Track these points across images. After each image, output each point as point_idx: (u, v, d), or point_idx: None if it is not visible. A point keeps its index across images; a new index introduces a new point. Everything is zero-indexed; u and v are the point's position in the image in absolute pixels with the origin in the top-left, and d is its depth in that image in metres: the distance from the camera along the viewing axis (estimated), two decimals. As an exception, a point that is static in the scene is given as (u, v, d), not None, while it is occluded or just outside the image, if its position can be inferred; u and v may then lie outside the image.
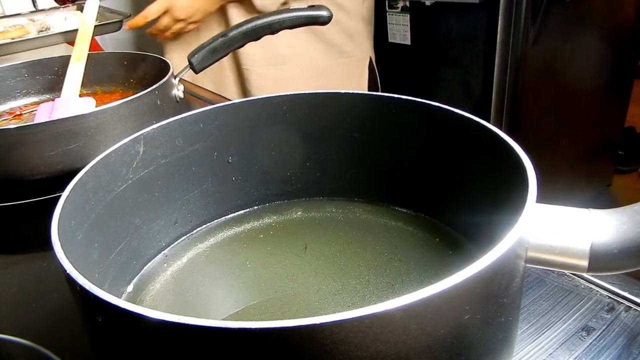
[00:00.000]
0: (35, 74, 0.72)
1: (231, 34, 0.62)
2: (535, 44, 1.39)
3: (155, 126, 0.37)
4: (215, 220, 0.42)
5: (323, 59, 1.12)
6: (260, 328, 0.19)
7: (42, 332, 0.37)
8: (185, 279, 0.38)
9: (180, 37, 1.10)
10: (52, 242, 0.25)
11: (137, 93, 0.54)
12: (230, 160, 0.41)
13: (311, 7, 0.64)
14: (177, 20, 1.03)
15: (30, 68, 0.72)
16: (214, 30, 1.09)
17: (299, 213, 0.43)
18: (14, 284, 0.45)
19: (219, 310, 0.36)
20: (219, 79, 1.15)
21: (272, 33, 0.63)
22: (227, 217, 0.43)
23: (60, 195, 0.29)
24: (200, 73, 0.63)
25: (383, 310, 0.19)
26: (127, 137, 0.35)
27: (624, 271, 0.25)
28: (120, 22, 1.06)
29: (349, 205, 0.43)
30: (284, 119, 0.41)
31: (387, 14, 1.65)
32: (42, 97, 0.73)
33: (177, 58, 1.10)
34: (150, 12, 0.99)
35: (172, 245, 0.40)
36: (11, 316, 0.40)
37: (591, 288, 0.39)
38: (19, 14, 1.15)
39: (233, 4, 1.06)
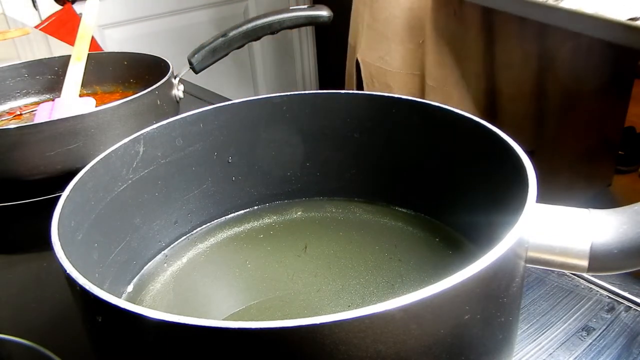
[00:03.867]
0: (35, 74, 0.72)
1: (231, 34, 0.62)
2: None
3: (155, 126, 0.37)
4: (215, 220, 0.42)
5: None
6: (260, 328, 0.19)
7: (42, 332, 0.37)
8: (185, 279, 0.38)
9: None
10: (52, 242, 0.25)
11: (137, 93, 0.54)
12: (230, 160, 0.41)
13: (311, 7, 0.64)
14: None
15: (30, 68, 0.72)
16: None
17: (299, 213, 0.43)
18: (14, 284, 0.45)
19: (219, 310, 0.36)
20: None
21: (272, 33, 0.63)
22: (227, 217, 0.43)
23: (60, 195, 0.29)
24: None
25: (383, 310, 0.19)
26: (127, 137, 0.35)
27: (624, 271, 0.25)
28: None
29: (349, 205, 0.43)
30: (284, 119, 0.41)
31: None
32: (42, 97, 0.73)
33: None
34: None
35: (172, 245, 0.40)
36: (11, 316, 0.40)
37: (591, 288, 0.39)
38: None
39: None
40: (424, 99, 0.36)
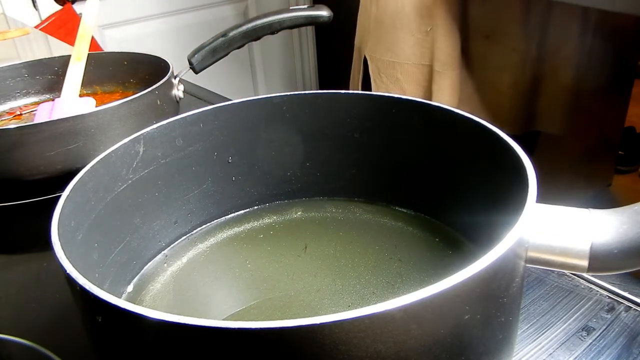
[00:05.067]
0: (35, 74, 0.72)
1: (231, 34, 0.62)
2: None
3: (155, 126, 0.37)
4: (215, 220, 0.42)
5: None
6: (260, 328, 0.19)
7: (42, 332, 0.37)
8: (185, 279, 0.38)
9: None
10: (52, 242, 0.25)
11: (137, 93, 0.54)
12: (230, 160, 0.41)
13: (311, 7, 0.64)
14: None
15: (30, 68, 0.72)
16: None
17: (299, 213, 0.43)
18: (14, 284, 0.45)
19: (219, 310, 0.36)
20: None
21: (272, 33, 0.63)
22: (227, 217, 0.43)
23: (60, 195, 0.29)
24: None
25: (383, 310, 0.19)
26: (127, 137, 0.35)
27: (624, 271, 0.25)
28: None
29: (349, 205, 0.43)
30: (284, 119, 0.41)
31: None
32: (42, 97, 0.73)
33: None
34: None
35: (172, 245, 0.40)
36: (11, 316, 0.40)
37: (591, 288, 0.39)
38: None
39: None
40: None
